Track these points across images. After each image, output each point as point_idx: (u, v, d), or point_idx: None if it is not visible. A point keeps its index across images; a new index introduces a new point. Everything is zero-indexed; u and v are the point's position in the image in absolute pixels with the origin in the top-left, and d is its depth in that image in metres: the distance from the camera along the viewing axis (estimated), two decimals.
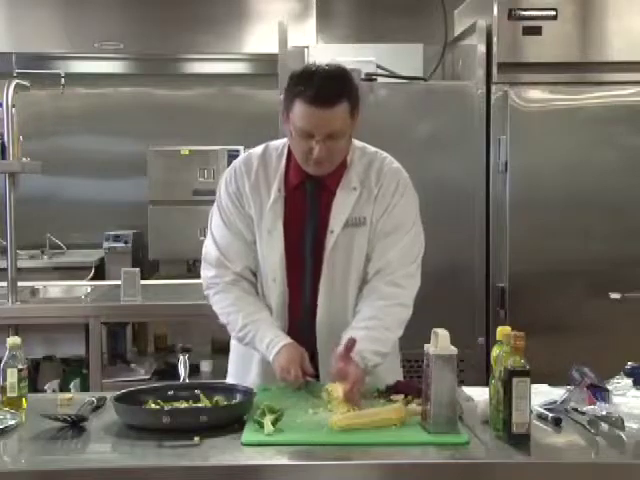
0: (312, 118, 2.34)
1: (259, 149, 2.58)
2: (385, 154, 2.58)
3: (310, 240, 2.49)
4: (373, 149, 2.58)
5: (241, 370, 2.61)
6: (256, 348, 2.47)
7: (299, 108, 2.35)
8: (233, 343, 2.68)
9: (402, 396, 2.26)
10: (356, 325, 2.42)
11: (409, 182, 2.56)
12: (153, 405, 2.19)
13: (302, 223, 2.49)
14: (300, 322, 2.51)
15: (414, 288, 2.52)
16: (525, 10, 3.72)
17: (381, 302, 2.44)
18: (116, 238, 5.98)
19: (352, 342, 2.29)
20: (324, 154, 2.37)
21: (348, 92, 2.39)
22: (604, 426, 2.10)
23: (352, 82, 2.43)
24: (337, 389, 2.22)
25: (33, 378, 3.78)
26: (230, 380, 2.61)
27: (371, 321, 2.42)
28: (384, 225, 2.49)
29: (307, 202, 2.50)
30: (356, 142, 2.56)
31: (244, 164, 2.56)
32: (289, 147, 2.51)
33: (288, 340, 2.42)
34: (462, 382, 2.34)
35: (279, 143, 2.57)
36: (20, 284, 4.07)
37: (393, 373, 2.55)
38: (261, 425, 2.03)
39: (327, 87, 2.34)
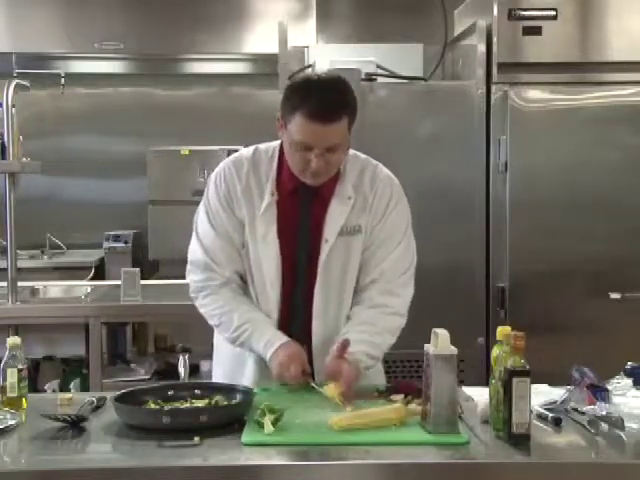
0: (313, 133, 2.30)
1: (248, 151, 2.52)
2: (375, 162, 2.55)
3: (304, 248, 2.46)
4: (363, 156, 2.55)
5: (234, 372, 2.55)
6: (252, 348, 2.44)
7: (299, 122, 2.30)
8: (218, 344, 2.65)
9: (402, 396, 2.26)
10: (349, 329, 2.42)
11: (401, 189, 2.54)
12: (153, 405, 2.19)
13: (294, 230, 2.46)
14: (294, 331, 2.47)
15: (407, 297, 2.51)
16: (525, 10, 3.72)
17: (374, 310, 2.45)
18: (116, 238, 5.98)
19: (346, 342, 2.30)
20: (322, 165, 2.34)
21: (348, 106, 2.35)
22: (604, 426, 2.10)
23: (352, 95, 2.38)
24: (330, 389, 2.22)
25: (33, 378, 3.78)
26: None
27: (363, 326, 2.42)
28: (378, 234, 2.47)
29: (299, 209, 2.47)
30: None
31: (234, 166, 2.49)
32: (280, 150, 2.47)
33: (286, 339, 2.40)
34: (462, 382, 2.33)
35: (269, 146, 2.52)
36: (20, 284, 4.07)
37: (375, 377, 2.54)
38: (261, 425, 2.03)
39: (328, 102, 2.31)
